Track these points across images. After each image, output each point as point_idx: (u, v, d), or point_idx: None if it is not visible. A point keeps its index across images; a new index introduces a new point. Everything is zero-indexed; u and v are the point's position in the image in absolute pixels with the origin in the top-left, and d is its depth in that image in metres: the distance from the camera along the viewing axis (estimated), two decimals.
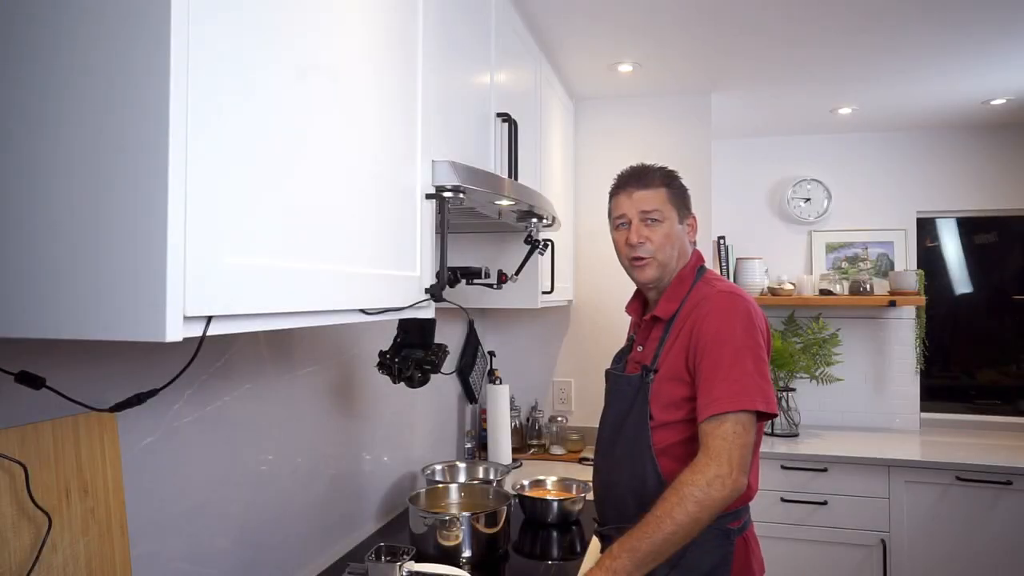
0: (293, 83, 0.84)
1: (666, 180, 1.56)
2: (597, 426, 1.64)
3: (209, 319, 0.69)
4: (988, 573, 2.71)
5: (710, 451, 1.31)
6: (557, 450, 2.87)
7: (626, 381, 1.54)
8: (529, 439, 2.93)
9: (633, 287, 1.68)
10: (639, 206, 1.52)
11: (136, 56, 0.64)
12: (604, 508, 1.58)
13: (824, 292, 3.35)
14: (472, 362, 2.74)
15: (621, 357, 1.67)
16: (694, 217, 1.60)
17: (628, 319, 1.74)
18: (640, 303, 1.67)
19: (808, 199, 3.58)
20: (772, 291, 3.39)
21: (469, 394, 2.74)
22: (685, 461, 1.36)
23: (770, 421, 3.03)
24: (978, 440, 3.13)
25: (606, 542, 1.51)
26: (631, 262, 1.55)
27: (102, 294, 0.65)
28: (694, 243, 1.62)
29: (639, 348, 1.58)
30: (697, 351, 1.40)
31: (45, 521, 0.90)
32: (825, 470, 2.85)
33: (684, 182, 1.60)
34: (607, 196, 1.63)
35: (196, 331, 0.67)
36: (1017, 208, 3.41)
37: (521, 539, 1.87)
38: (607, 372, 1.67)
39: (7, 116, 0.68)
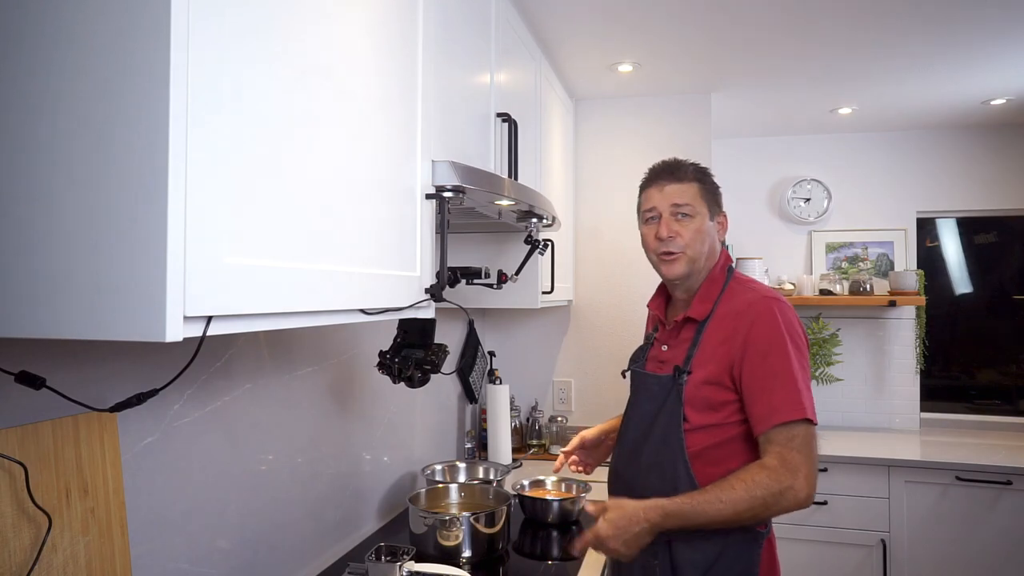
0: (293, 83, 0.84)
1: (699, 175, 1.51)
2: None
3: (209, 319, 0.69)
4: (988, 573, 2.71)
5: (788, 462, 1.29)
6: (557, 450, 2.86)
7: (655, 381, 1.49)
8: (529, 439, 2.93)
9: (656, 283, 1.65)
10: (670, 199, 1.48)
11: (136, 56, 0.64)
12: None
13: (824, 292, 3.35)
14: (472, 362, 2.74)
15: (640, 356, 1.62)
16: (724, 215, 1.55)
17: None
18: (663, 300, 1.62)
19: (808, 199, 3.58)
20: None
21: (469, 394, 2.74)
22: (722, 465, 1.35)
23: None
24: (978, 440, 3.13)
25: None
26: (660, 257, 1.50)
27: (102, 294, 0.65)
28: (723, 242, 1.57)
29: (664, 347, 1.53)
30: (745, 359, 1.36)
31: (45, 521, 0.90)
32: (825, 470, 2.84)
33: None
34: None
35: (196, 331, 0.67)
36: (1017, 208, 3.41)
37: (521, 539, 1.87)
38: (632, 372, 1.61)
39: (6, 116, 0.68)
